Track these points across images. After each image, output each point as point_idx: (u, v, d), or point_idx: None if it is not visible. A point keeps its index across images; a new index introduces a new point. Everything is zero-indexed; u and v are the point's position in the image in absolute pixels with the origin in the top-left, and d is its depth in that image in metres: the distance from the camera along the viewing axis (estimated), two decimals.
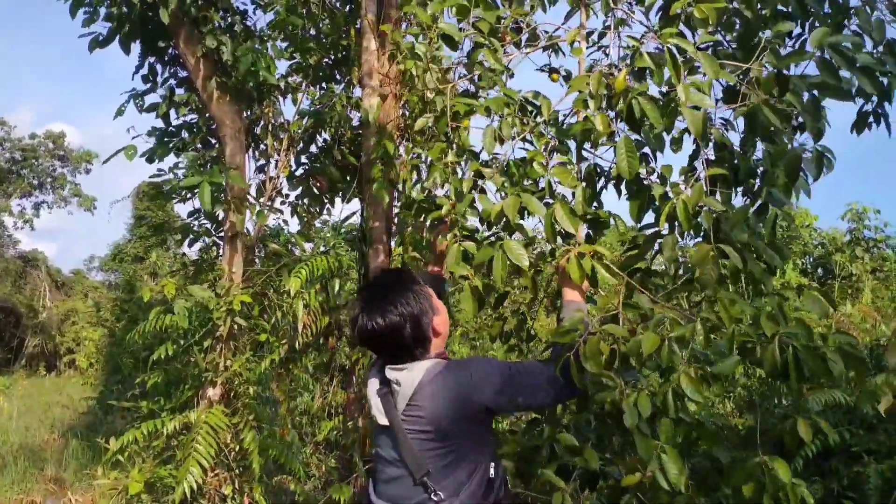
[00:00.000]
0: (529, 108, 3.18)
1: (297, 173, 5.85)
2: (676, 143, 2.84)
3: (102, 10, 5.10)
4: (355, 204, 5.80)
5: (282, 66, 5.76)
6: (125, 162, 5.16)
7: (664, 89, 2.71)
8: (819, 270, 13.63)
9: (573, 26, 3.28)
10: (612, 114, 2.78)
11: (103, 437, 5.53)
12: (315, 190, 5.94)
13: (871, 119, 3.22)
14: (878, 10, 3.08)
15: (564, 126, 3.01)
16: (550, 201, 2.75)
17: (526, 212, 2.75)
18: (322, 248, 6.82)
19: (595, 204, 2.96)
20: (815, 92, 2.68)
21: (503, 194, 2.78)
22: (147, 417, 4.81)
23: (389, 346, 2.12)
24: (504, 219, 2.67)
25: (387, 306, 2.09)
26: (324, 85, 5.80)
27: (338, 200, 6.05)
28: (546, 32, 3.62)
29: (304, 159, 5.92)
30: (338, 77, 6.09)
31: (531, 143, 3.00)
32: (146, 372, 5.01)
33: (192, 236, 5.28)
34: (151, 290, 5.03)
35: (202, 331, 4.71)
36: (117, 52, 5.25)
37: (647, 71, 2.74)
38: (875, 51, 3.02)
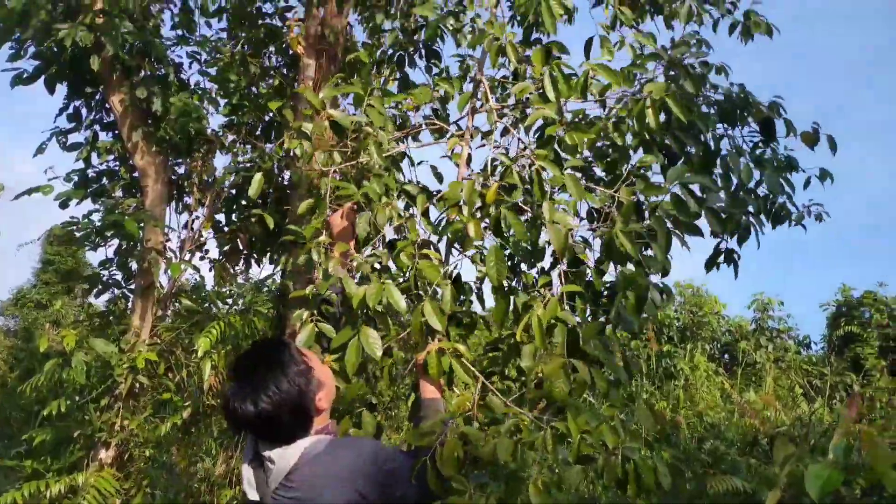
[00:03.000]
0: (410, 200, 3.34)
1: (222, 229, 5.77)
2: (537, 256, 3.02)
3: (31, 48, 4.98)
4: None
5: (215, 122, 5.75)
6: (38, 205, 4.95)
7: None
8: (725, 356, 14.18)
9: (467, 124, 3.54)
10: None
11: None
12: (237, 247, 5.85)
13: (721, 259, 3.53)
14: (745, 158, 3.44)
15: (439, 225, 3.14)
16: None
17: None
18: (240, 307, 6.65)
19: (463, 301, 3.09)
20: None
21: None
22: (31, 478, 4.46)
23: (264, 432, 1.95)
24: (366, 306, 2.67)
25: (259, 393, 1.89)
26: (256, 143, 5.79)
27: (264, 260, 5.98)
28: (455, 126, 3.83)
29: (228, 216, 5.85)
30: (272, 137, 6.12)
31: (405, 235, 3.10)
32: (36, 428, 4.68)
33: (100, 286, 5.06)
34: (49, 340, 4.75)
35: (101, 387, 4.45)
36: (42, 89, 5.11)
37: (517, 186, 2.94)
38: (736, 192, 3.36)
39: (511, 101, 3.69)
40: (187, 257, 5.46)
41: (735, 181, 3.34)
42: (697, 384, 10.76)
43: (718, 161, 3.41)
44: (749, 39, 4.62)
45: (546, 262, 3.19)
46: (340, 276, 2.81)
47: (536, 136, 3.27)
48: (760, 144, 3.62)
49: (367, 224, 3.02)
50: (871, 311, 14.07)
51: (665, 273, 3.01)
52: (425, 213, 3.20)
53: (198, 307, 5.07)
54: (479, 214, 2.92)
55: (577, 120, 3.28)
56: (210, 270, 5.74)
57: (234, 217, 5.84)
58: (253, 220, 5.42)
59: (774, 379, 11.59)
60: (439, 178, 3.77)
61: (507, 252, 3.09)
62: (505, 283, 2.92)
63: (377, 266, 3.03)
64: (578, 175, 3.16)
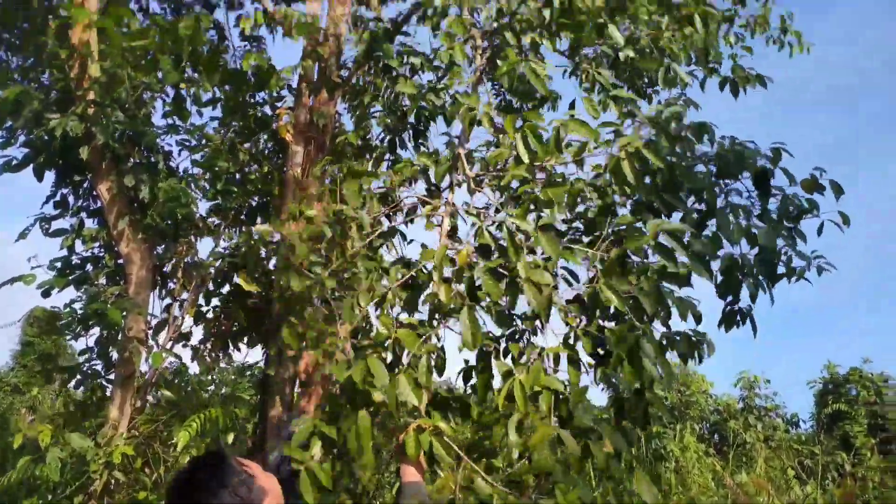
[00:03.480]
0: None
1: (206, 315, 5.70)
2: (529, 321, 2.96)
3: (21, 136, 5.03)
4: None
5: (203, 207, 5.78)
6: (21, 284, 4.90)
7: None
8: (715, 436, 13.99)
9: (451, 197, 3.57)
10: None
11: None
12: (221, 333, 5.77)
13: (738, 318, 3.46)
14: (741, 216, 3.40)
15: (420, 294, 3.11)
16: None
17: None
18: (223, 393, 6.52)
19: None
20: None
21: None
22: None
23: None
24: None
25: None
26: (242, 228, 5.81)
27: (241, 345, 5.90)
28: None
29: (213, 301, 5.80)
30: (259, 221, 6.14)
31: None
32: None
33: (79, 377, 4.94)
34: (25, 433, 4.59)
35: (75, 484, 4.28)
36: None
37: (491, 248, 2.93)
38: (738, 252, 3.31)
39: (489, 170, 3.72)
40: (169, 345, 5.37)
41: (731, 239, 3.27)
42: (688, 466, 10.56)
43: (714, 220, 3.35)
44: (742, 91, 4.69)
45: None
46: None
47: (514, 199, 3.27)
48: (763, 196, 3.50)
49: (351, 310, 2.99)
50: (858, 389, 14.04)
51: (697, 319, 2.90)
52: (412, 287, 3.17)
53: (178, 398, 4.94)
54: (452, 279, 2.87)
55: (553, 180, 3.25)
56: (192, 360, 5.65)
57: (217, 301, 5.79)
58: (238, 306, 5.38)
59: (766, 459, 11.42)
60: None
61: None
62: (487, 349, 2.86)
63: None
64: (556, 235, 3.13)
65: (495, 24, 4.47)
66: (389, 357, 2.78)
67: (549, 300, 2.69)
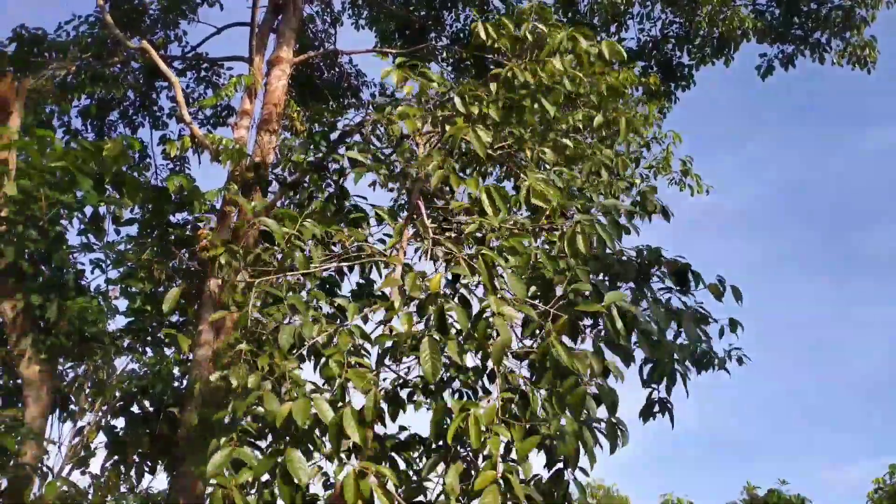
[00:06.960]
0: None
1: (109, 439, 5.44)
2: (477, 372, 3.05)
3: None
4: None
5: (117, 323, 5.65)
6: None
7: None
8: None
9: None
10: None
11: None
12: (124, 459, 5.50)
13: (657, 408, 3.61)
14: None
15: (372, 334, 3.16)
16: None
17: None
18: None
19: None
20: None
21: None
22: None
23: None
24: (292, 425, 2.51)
25: None
26: (152, 350, 5.68)
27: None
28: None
29: (118, 424, 5.55)
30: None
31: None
32: None
33: None
34: None
35: None
36: None
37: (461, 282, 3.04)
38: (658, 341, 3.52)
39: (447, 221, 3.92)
40: (66, 470, 5.09)
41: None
42: None
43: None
44: (647, 218, 5.01)
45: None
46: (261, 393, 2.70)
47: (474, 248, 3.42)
48: (675, 295, 3.77)
49: (290, 336, 2.95)
50: None
51: (613, 409, 3.01)
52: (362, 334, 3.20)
53: None
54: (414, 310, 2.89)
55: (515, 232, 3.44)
56: (89, 487, 5.34)
57: (125, 424, 5.55)
58: (143, 432, 5.19)
59: None
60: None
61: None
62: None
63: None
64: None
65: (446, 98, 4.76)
66: (328, 396, 2.72)
67: (507, 344, 2.73)
